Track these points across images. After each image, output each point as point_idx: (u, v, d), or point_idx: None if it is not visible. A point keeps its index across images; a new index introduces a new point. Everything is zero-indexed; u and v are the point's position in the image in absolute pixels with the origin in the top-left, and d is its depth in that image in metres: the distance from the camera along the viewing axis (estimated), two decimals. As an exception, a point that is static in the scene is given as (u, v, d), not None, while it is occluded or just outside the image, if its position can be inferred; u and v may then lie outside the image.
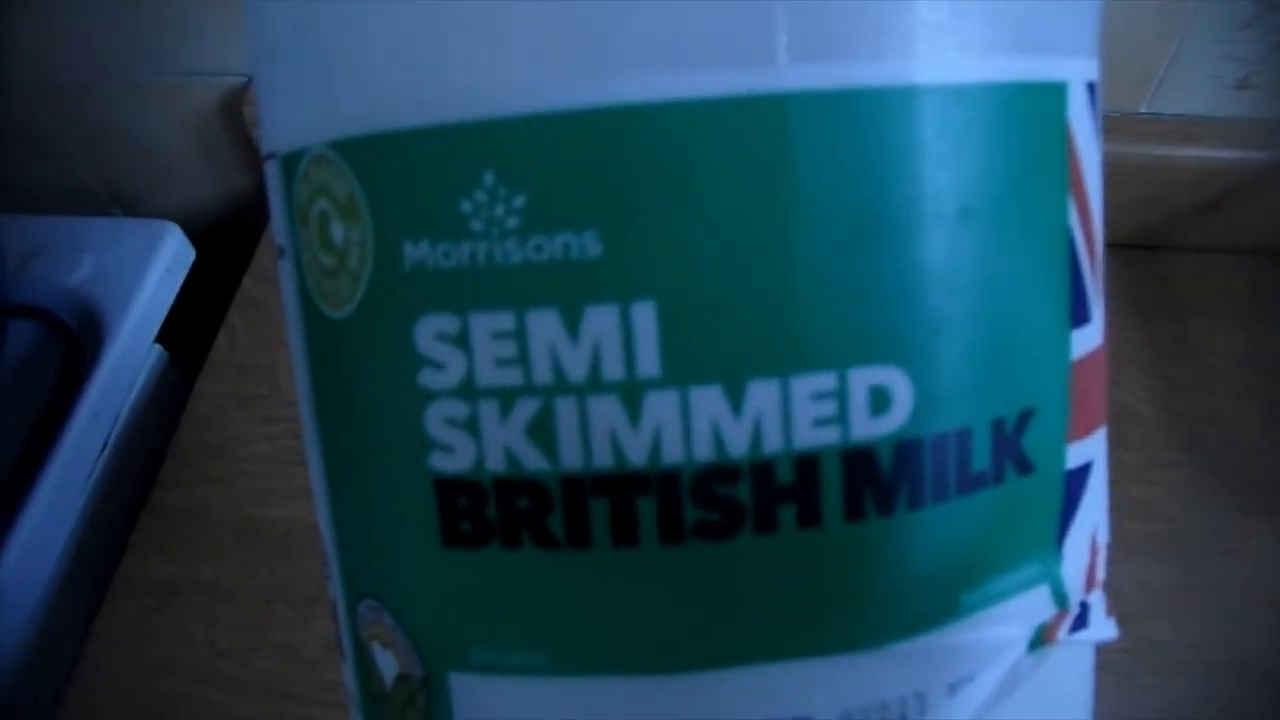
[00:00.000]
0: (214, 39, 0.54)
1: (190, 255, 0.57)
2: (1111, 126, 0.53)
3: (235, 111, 0.55)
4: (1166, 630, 0.44)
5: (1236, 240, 0.57)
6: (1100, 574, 0.15)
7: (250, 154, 0.57)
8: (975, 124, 0.11)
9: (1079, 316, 0.15)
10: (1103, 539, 0.16)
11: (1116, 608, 0.45)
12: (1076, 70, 0.13)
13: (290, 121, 0.13)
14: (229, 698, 0.42)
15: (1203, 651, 0.44)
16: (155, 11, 0.53)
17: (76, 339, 0.50)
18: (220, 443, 0.49)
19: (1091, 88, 0.14)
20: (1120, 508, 0.48)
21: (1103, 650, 0.44)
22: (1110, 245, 0.60)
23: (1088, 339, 0.15)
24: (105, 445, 0.49)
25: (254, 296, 0.55)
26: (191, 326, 0.55)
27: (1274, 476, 0.49)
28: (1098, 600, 0.16)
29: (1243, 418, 0.51)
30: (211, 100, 0.57)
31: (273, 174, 0.14)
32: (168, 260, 0.54)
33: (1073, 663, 0.16)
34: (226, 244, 0.59)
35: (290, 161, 0.13)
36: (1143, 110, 0.53)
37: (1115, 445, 0.50)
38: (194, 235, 0.57)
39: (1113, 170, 0.54)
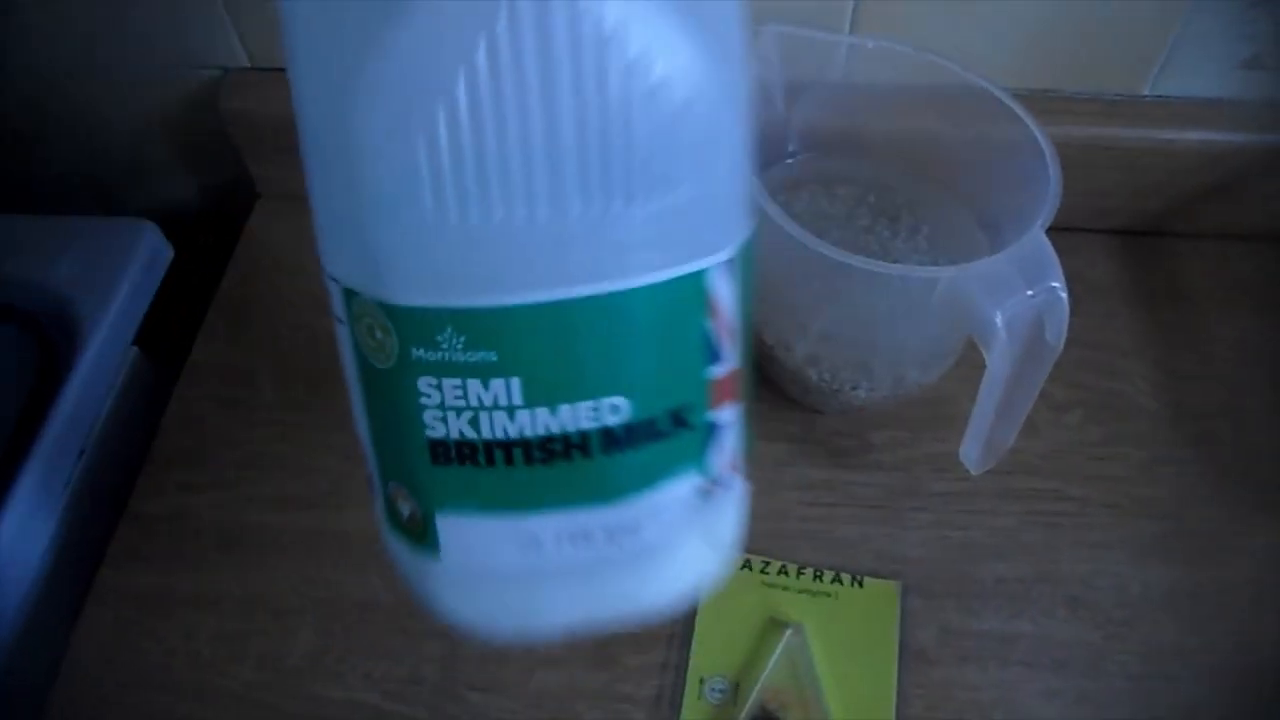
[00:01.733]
0: (190, 33, 0.52)
1: (169, 254, 0.55)
2: (1113, 110, 0.52)
3: (212, 106, 0.54)
4: (1173, 632, 0.43)
5: (1245, 226, 0.56)
6: (737, 466, 0.28)
7: (228, 149, 0.56)
8: (666, 300, 0.24)
9: (713, 358, 0.26)
10: (731, 446, 0.28)
11: (1120, 610, 0.44)
12: (716, 259, 0.25)
13: (351, 276, 0.25)
14: (210, 710, 0.41)
15: (1211, 654, 0.43)
16: (132, 5, 0.51)
17: (52, 341, 0.49)
18: (200, 448, 0.48)
19: (730, 262, 0.25)
20: (1125, 506, 0.47)
21: (1109, 654, 0.43)
22: (1114, 232, 0.58)
23: (720, 370, 0.26)
24: (82, 451, 0.47)
25: (233, 297, 0.54)
26: (170, 328, 0.54)
27: (1283, 470, 0.48)
28: (730, 476, 0.28)
29: (1250, 411, 0.50)
30: (188, 94, 0.55)
31: (335, 289, 0.26)
32: (145, 260, 0.52)
33: (722, 503, 0.29)
34: (206, 243, 0.57)
35: (349, 293, 0.25)
36: (1146, 93, 0.52)
37: (1120, 442, 0.49)
38: (173, 234, 0.56)
39: (1115, 155, 0.53)
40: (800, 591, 0.44)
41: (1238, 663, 0.42)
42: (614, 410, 0.24)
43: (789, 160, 0.48)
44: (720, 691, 0.41)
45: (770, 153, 0.48)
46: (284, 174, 0.55)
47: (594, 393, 0.24)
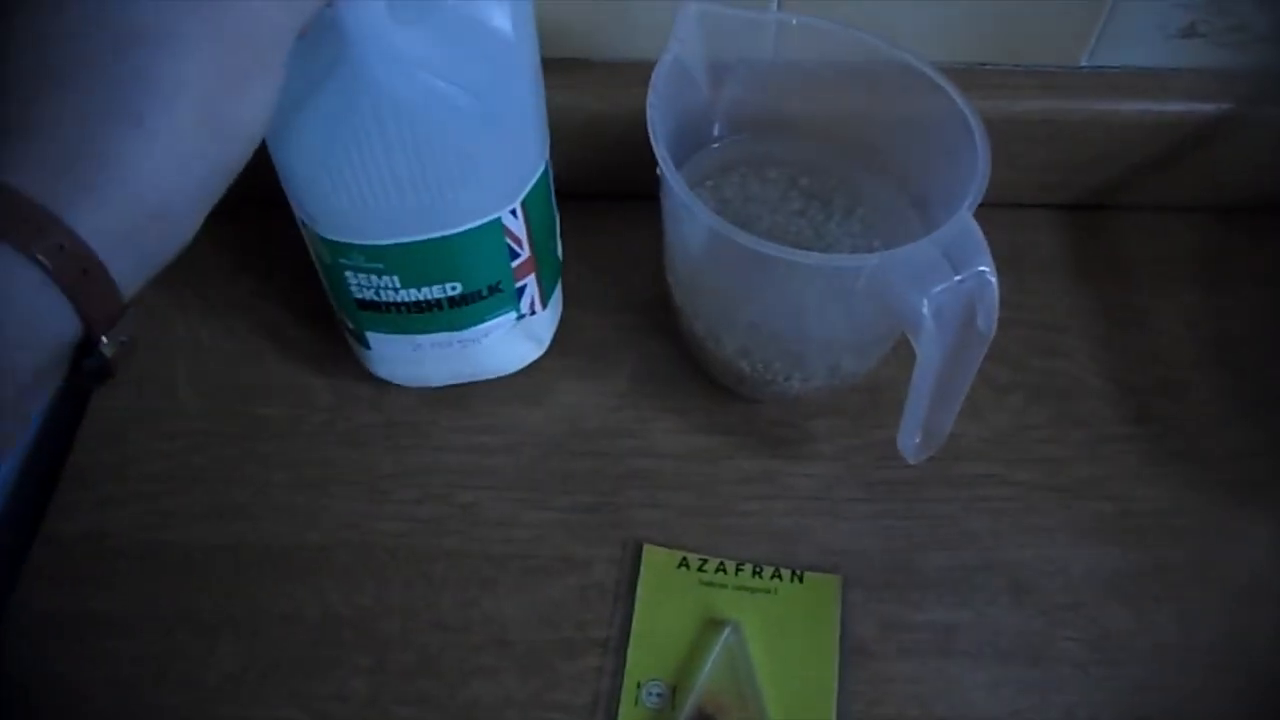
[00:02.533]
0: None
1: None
2: (1051, 82, 0.51)
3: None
4: (1118, 617, 0.42)
5: (1186, 198, 0.55)
6: (539, 303, 0.46)
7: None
8: (478, 235, 0.40)
9: (514, 256, 0.42)
10: (532, 295, 0.45)
11: (1063, 595, 0.43)
12: (507, 209, 0.40)
13: (304, 219, 0.40)
14: (131, 735, 0.40)
15: (1156, 636, 0.42)
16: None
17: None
18: (118, 462, 0.46)
19: (515, 209, 0.40)
20: (1068, 488, 0.46)
21: (1054, 641, 0.42)
22: (1055, 207, 0.58)
23: (518, 260, 0.43)
24: (-6, 469, 0.45)
25: (149, 303, 0.52)
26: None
27: (1227, 447, 0.47)
28: (536, 309, 0.46)
29: (1194, 386, 0.49)
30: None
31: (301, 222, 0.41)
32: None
33: (533, 322, 0.47)
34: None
35: (305, 226, 0.41)
36: (1083, 64, 0.51)
37: (1063, 422, 0.48)
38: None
39: (1054, 128, 0.52)
40: (739, 589, 0.43)
41: (1183, 643, 0.42)
42: (453, 288, 0.42)
43: (715, 145, 0.47)
44: (658, 695, 0.40)
45: (696, 137, 0.46)
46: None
47: (440, 280, 0.42)
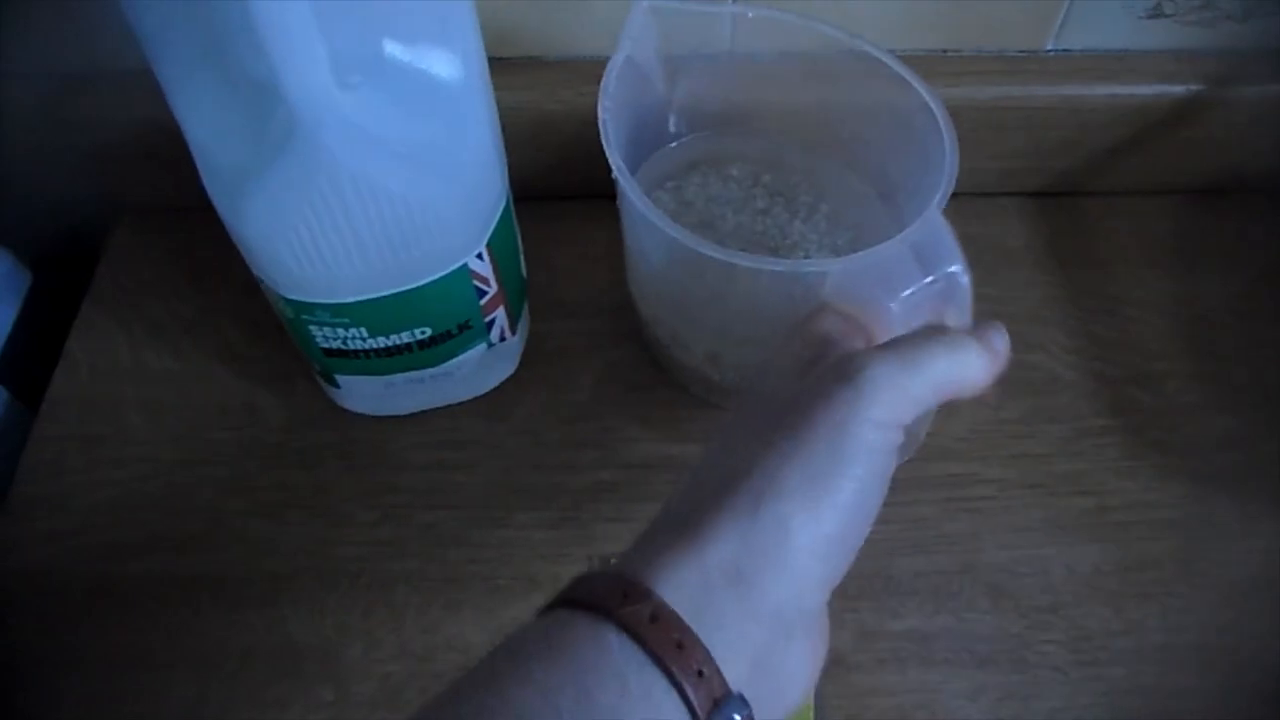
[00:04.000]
0: (36, 35, 0.48)
1: (25, 280, 0.51)
2: (1017, 67, 0.49)
3: (61, 113, 0.49)
4: (1099, 617, 0.41)
5: (1158, 181, 0.54)
6: (509, 331, 0.44)
7: (83, 159, 0.51)
8: (445, 283, 0.39)
9: (482, 295, 0.41)
10: (501, 325, 0.44)
11: (1044, 596, 0.42)
12: (470, 255, 0.39)
13: (262, 277, 0.39)
14: (83, 781, 0.38)
15: (1139, 636, 0.41)
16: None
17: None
18: (61, 493, 0.44)
19: (480, 253, 0.39)
20: (1046, 484, 0.45)
21: (1034, 645, 0.41)
22: (1023, 194, 0.56)
23: (485, 298, 0.41)
24: (-67, 505, 0.43)
25: (94, 323, 0.50)
26: (33, 361, 0.50)
27: (1207, 436, 0.46)
28: (506, 337, 0.44)
29: (1172, 375, 0.48)
30: (33, 101, 0.50)
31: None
32: (-2, 288, 0.49)
33: (503, 349, 0.45)
34: (65, 266, 0.53)
35: (261, 282, 0.39)
36: (1049, 48, 0.49)
37: (1039, 417, 0.47)
38: (29, 258, 0.52)
39: (1021, 114, 0.50)
40: (711, 603, 0.41)
41: (1167, 642, 0.41)
42: (422, 332, 0.41)
43: (674, 144, 0.45)
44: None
45: (654, 136, 0.45)
46: (146, 185, 0.51)
47: (409, 327, 0.40)
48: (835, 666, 0.40)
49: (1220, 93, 0.49)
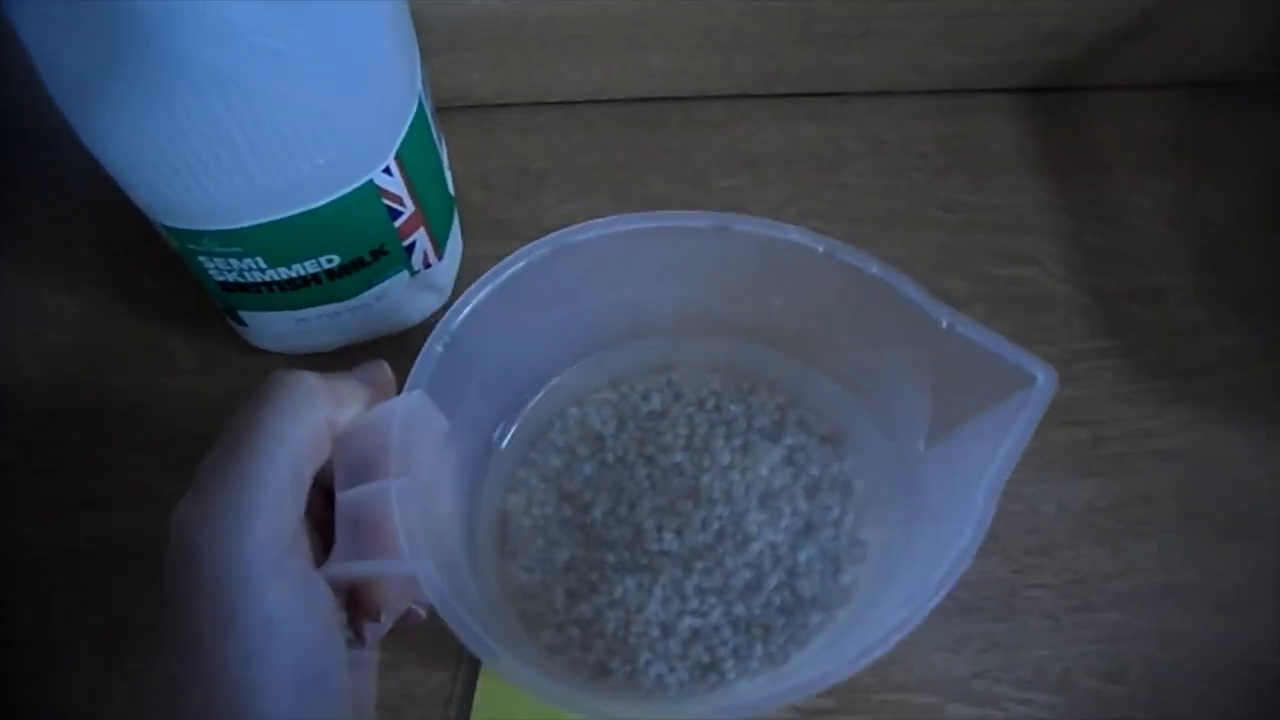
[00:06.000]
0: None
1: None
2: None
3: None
4: (1092, 558, 0.38)
5: (1159, 75, 0.49)
6: (431, 259, 0.39)
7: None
8: (348, 203, 0.34)
9: (396, 216, 0.36)
10: (423, 249, 0.38)
11: (1032, 538, 0.38)
12: (378, 168, 0.34)
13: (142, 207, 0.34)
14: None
15: (1136, 578, 0.38)
16: None
17: None
18: (-52, 451, 0.40)
19: (388, 167, 0.34)
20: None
21: (1021, 590, 0.37)
22: (1012, 90, 0.51)
23: (401, 219, 0.36)
24: None
25: (-21, 260, 0.45)
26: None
27: (1212, 356, 0.42)
28: (431, 262, 0.39)
29: (1174, 289, 0.44)
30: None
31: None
32: None
33: (431, 273, 0.40)
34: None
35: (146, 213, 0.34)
36: (1042, -78, 0.44)
37: (1029, 337, 0.42)
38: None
39: (1008, 4, 0.45)
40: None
41: (1164, 583, 0.38)
42: (329, 260, 0.36)
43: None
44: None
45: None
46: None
47: (313, 255, 0.35)
48: (806, 621, 0.37)
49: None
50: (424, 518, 0.27)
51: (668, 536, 0.34)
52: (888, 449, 0.34)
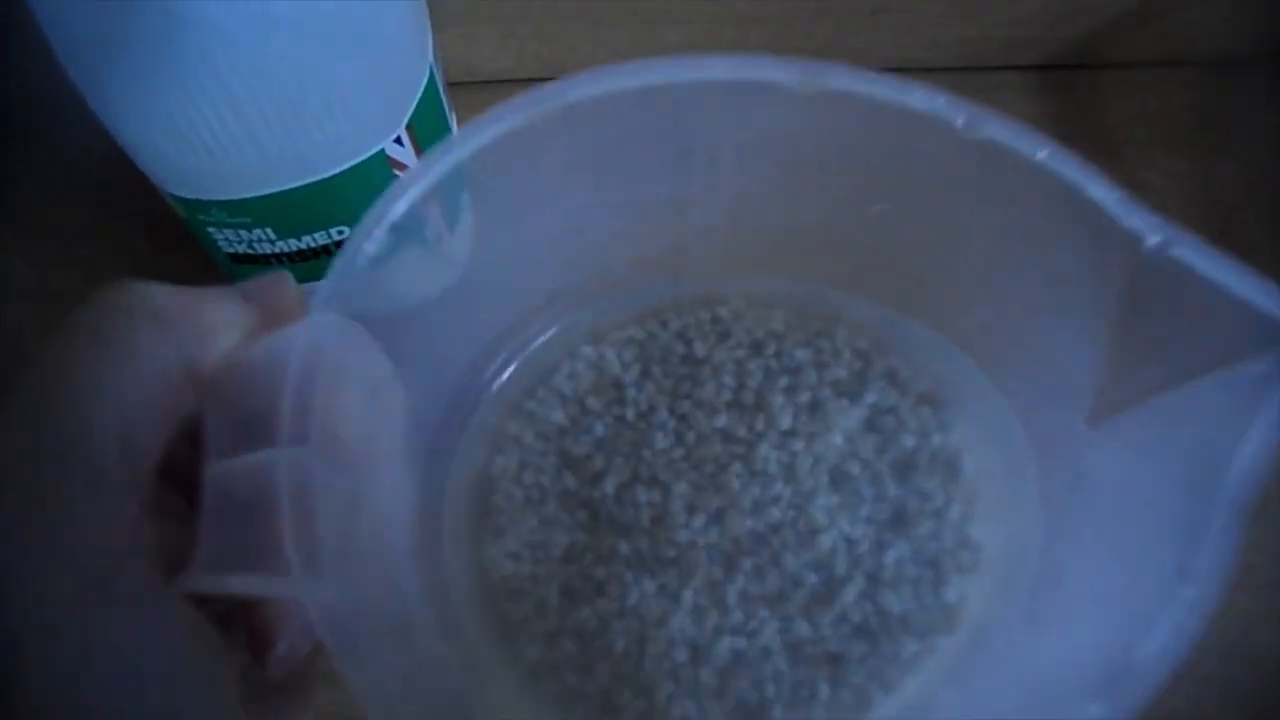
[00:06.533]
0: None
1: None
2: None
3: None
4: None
5: (1171, 52, 0.48)
6: (447, 229, 0.32)
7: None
8: (359, 173, 0.33)
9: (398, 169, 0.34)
10: (437, 222, 0.31)
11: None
12: (389, 138, 0.33)
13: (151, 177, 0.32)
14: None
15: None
16: None
17: None
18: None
19: (399, 137, 0.33)
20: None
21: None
22: (1027, 68, 0.51)
23: (404, 160, 0.34)
24: None
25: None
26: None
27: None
28: (444, 235, 0.31)
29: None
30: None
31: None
32: None
33: (447, 247, 0.30)
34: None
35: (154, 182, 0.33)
36: (1060, -104, 0.43)
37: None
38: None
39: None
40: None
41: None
42: (340, 232, 0.35)
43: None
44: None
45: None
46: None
47: (324, 226, 0.35)
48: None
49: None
50: (343, 504, 0.19)
51: (702, 523, 0.25)
52: (1013, 418, 0.25)
